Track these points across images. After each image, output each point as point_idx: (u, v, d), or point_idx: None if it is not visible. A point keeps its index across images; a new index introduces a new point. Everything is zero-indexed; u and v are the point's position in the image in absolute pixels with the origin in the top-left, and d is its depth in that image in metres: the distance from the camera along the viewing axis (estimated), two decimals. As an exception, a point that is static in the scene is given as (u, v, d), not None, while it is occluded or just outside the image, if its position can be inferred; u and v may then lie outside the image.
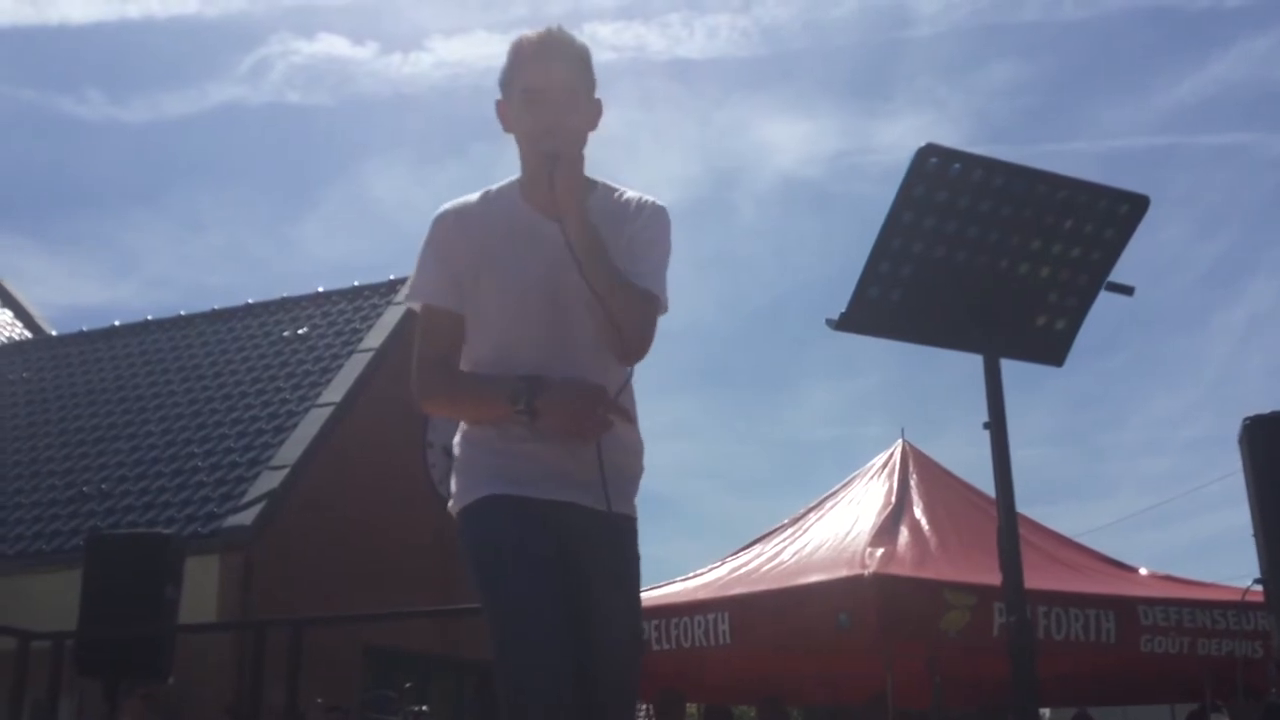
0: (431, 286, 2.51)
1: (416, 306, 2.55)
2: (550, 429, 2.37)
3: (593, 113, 2.52)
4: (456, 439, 2.59)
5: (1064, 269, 2.82)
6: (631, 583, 2.56)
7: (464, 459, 2.54)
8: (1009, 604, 2.65)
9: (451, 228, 2.52)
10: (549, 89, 2.44)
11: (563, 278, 2.39)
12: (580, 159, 2.42)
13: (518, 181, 2.56)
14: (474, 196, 2.56)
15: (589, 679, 2.33)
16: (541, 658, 2.24)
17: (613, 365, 2.43)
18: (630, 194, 2.54)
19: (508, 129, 2.54)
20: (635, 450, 2.56)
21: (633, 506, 2.55)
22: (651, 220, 2.50)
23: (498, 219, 2.51)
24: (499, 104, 2.54)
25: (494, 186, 2.58)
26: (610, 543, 2.48)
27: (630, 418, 2.47)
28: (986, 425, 2.78)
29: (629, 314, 2.36)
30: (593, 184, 2.53)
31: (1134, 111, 45.15)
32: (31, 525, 12.76)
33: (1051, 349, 2.92)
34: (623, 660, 2.46)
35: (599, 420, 2.37)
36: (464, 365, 2.54)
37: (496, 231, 2.49)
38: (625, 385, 2.46)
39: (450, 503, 2.57)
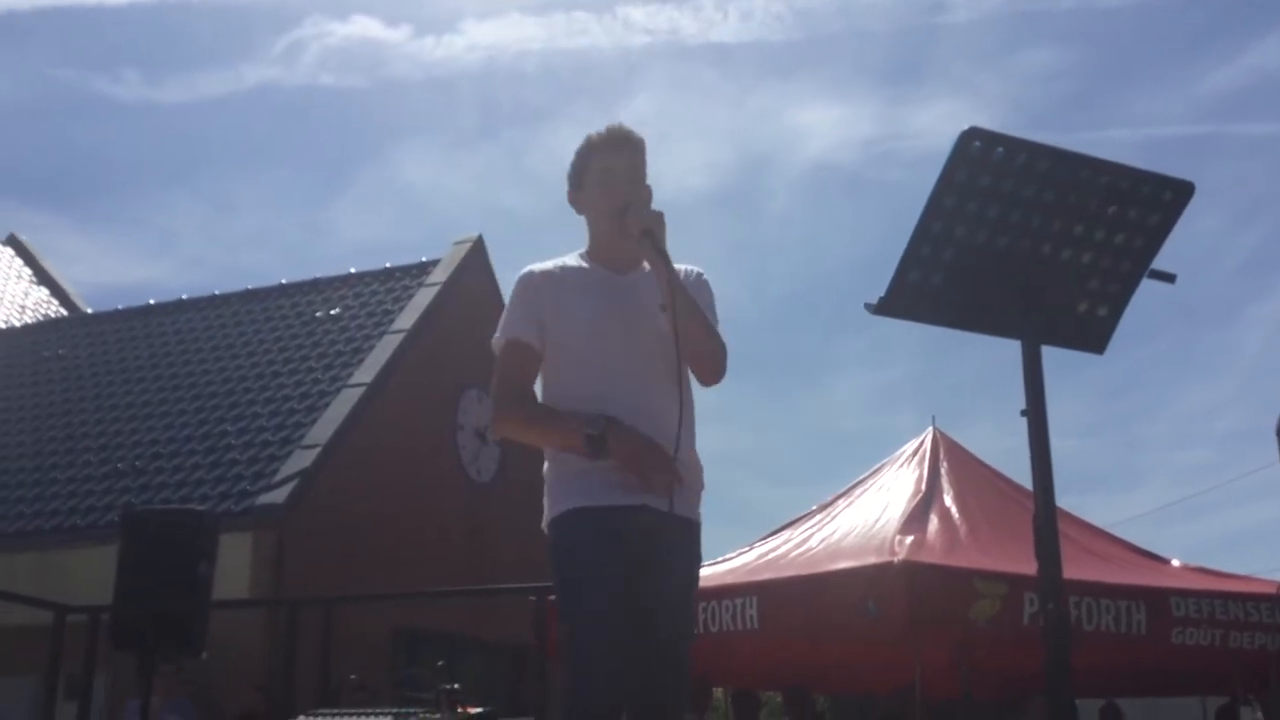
0: (517, 324, 2.96)
1: (499, 344, 2.98)
2: (616, 460, 2.76)
3: (662, 217, 2.92)
4: (546, 462, 2.98)
5: (1106, 255, 2.78)
6: (690, 578, 2.96)
7: (551, 476, 2.94)
8: (1044, 593, 2.63)
9: (537, 278, 3.01)
10: (622, 169, 2.98)
11: (634, 315, 2.91)
12: (664, 231, 2.86)
13: (585, 253, 3.07)
14: (550, 263, 3.05)
15: (650, 663, 2.76)
16: (604, 666, 2.67)
17: (675, 391, 2.86)
18: (678, 266, 2.96)
19: (581, 211, 3.06)
20: (695, 469, 2.96)
21: (696, 513, 2.95)
22: (704, 284, 3.05)
23: (574, 275, 3.01)
24: (570, 193, 3.06)
25: (563, 260, 3.06)
26: (675, 542, 2.86)
27: (681, 479, 2.83)
28: (1024, 412, 2.76)
29: (714, 346, 2.91)
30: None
31: (1171, 100, 44.67)
32: (67, 501, 12.90)
33: (1093, 336, 2.89)
34: (676, 646, 2.86)
35: (660, 471, 2.76)
36: (543, 397, 2.98)
37: (575, 284, 2.99)
38: (688, 410, 2.90)
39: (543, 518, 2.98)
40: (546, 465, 2.96)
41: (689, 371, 2.94)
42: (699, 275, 3.04)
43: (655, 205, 3.00)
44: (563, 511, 2.84)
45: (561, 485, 2.88)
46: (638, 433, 2.79)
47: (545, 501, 2.94)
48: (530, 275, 3.02)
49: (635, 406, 2.83)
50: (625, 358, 2.88)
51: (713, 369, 2.92)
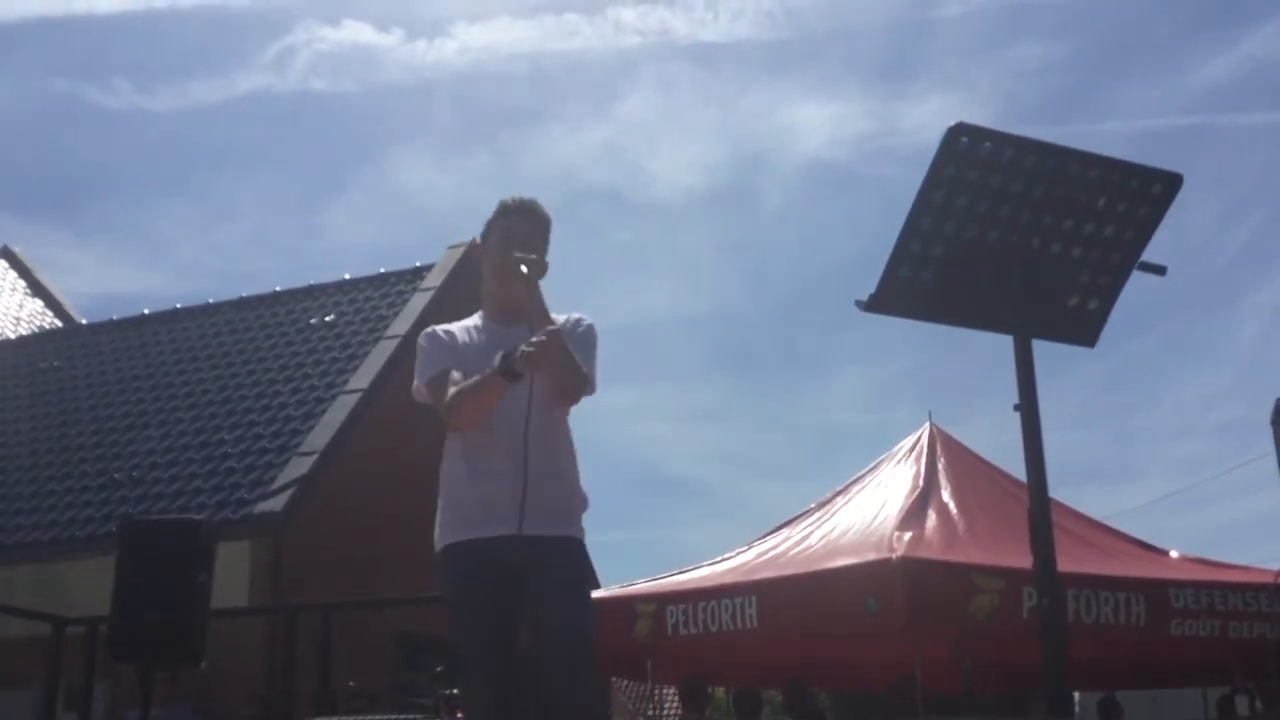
0: (431, 365, 3.32)
1: (422, 391, 3.34)
2: (533, 367, 3.06)
3: (544, 265, 3.28)
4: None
5: (1096, 248, 2.79)
6: (571, 597, 3.22)
7: (438, 511, 3.32)
8: (1041, 586, 2.64)
9: (437, 334, 3.41)
10: (520, 233, 3.34)
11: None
12: (541, 273, 3.22)
13: (480, 314, 3.47)
14: (452, 325, 3.45)
15: (537, 665, 3.10)
16: (481, 668, 3.15)
17: (550, 415, 3.22)
18: (563, 316, 3.32)
19: (482, 263, 3.48)
20: (564, 489, 3.28)
21: (568, 529, 3.24)
22: (586, 330, 3.36)
23: (468, 330, 3.40)
24: (479, 247, 3.50)
25: (464, 321, 3.46)
26: (547, 563, 3.16)
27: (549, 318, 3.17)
28: (1017, 407, 2.76)
29: (566, 373, 3.18)
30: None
31: (1164, 91, 44.68)
32: (65, 512, 12.88)
33: (1084, 329, 2.90)
34: (563, 651, 3.11)
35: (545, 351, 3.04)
36: (447, 446, 3.35)
37: (467, 336, 3.39)
38: (565, 428, 3.31)
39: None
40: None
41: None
42: (579, 321, 3.36)
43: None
44: (442, 547, 3.26)
45: (440, 519, 3.29)
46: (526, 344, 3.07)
47: (438, 530, 3.33)
48: (431, 333, 3.43)
49: (510, 429, 3.14)
50: (502, 398, 3.16)
51: (564, 393, 3.24)
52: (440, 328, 3.45)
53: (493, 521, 3.14)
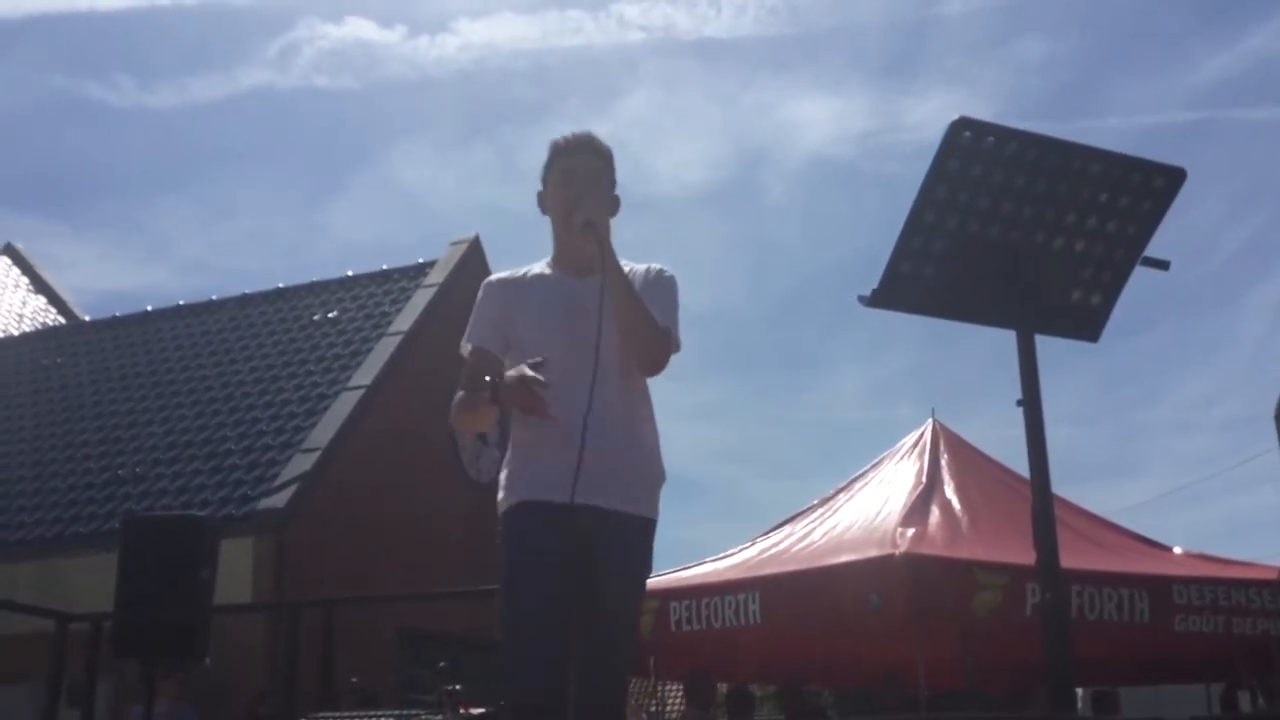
0: (479, 332, 3.09)
1: (466, 350, 3.10)
2: (513, 405, 2.86)
3: (613, 202, 3.08)
4: (508, 454, 3.07)
5: (1099, 243, 2.78)
6: (632, 579, 2.96)
7: (505, 470, 3.04)
8: (1044, 581, 2.63)
9: (495, 286, 3.14)
10: (581, 171, 3.05)
11: (579, 312, 2.94)
12: (609, 228, 2.95)
13: (549, 259, 3.16)
14: (516, 270, 3.18)
15: (591, 650, 2.84)
16: (533, 651, 2.77)
17: (622, 380, 2.95)
18: (642, 265, 3.10)
19: (544, 211, 3.14)
20: (644, 464, 3.01)
21: (644, 509, 2.97)
22: (664, 281, 3.07)
23: (533, 281, 3.11)
24: (538, 194, 3.14)
25: (531, 266, 3.17)
26: (617, 541, 2.90)
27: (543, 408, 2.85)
28: (1020, 402, 2.75)
29: (649, 338, 2.91)
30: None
31: (1167, 87, 44.61)
32: (68, 509, 12.89)
33: (1087, 324, 2.89)
34: (613, 638, 2.89)
35: (529, 397, 2.82)
36: None
37: (532, 290, 3.09)
38: (641, 395, 3.02)
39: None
40: (507, 455, 3.07)
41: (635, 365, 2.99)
42: (659, 272, 3.08)
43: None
44: (509, 505, 2.95)
45: (513, 480, 2.98)
46: (512, 378, 2.84)
47: (500, 494, 3.04)
48: (490, 283, 3.16)
49: (574, 400, 2.84)
50: (567, 355, 2.90)
51: (647, 361, 2.96)
52: (503, 278, 3.17)
53: (548, 488, 2.86)
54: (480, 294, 3.14)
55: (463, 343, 3.12)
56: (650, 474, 3.01)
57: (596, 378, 2.82)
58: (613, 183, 3.12)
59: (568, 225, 3.00)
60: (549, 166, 3.11)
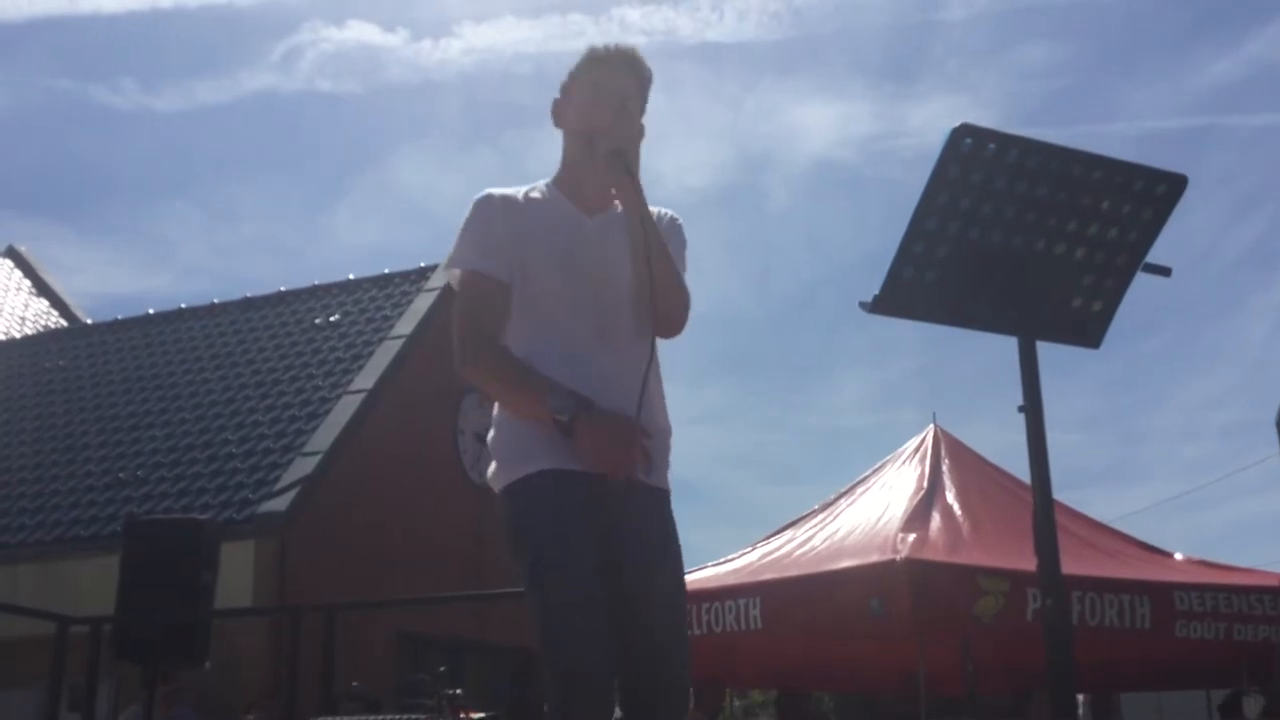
0: (478, 253, 2.59)
1: (456, 277, 2.63)
2: (580, 450, 2.45)
3: (640, 130, 2.69)
4: (496, 409, 2.62)
5: (1100, 250, 2.78)
6: (674, 556, 2.63)
7: (510, 430, 2.57)
8: (1045, 587, 2.63)
9: (497, 206, 2.63)
10: (617, 89, 2.64)
11: (600, 265, 2.59)
12: (638, 159, 2.59)
13: (554, 179, 2.71)
14: (513, 189, 2.69)
15: (636, 647, 2.46)
16: (589, 651, 2.35)
17: (644, 350, 2.54)
18: (657, 211, 2.70)
19: (560, 124, 2.71)
20: (664, 435, 2.67)
21: (666, 481, 2.65)
22: (677, 229, 2.74)
23: (540, 209, 2.64)
24: (556, 102, 2.71)
25: (529, 187, 2.71)
26: (649, 511, 2.58)
27: (649, 457, 2.56)
28: (1021, 408, 2.75)
29: (679, 300, 2.60)
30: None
31: (1169, 93, 44.65)
32: (69, 511, 12.90)
33: (1088, 331, 2.89)
34: (670, 619, 2.53)
35: (630, 460, 2.48)
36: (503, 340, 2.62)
37: (540, 220, 2.62)
38: (655, 370, 2.60)
39: (491, 474, 2.60)
40: (498, 417, 2.61)
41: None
42: (672, 219, 2.73)
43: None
44: (523, 476, 2.49)
45: (521, 439, 2.53)
46: (607, 421, 2.45)
47: (501, 459, 2.58)
48: (489, 198, 2.63)
49: (595, 372, 2.52)
50: (588, 316, 2.56)
51: (674, 323, 2.60)
52: (502, 194, 2.65)
53: (579, 457, 2.47)
54: (478, 210, 2.62)
55: (452, 267, 2.66)
56: (669, 446, 2.69)
57: (652, 346, 2.50)
58: (644, 109, 2.72)
59: (587, 149, 2.61)
60: (577, 74, 2.68)
